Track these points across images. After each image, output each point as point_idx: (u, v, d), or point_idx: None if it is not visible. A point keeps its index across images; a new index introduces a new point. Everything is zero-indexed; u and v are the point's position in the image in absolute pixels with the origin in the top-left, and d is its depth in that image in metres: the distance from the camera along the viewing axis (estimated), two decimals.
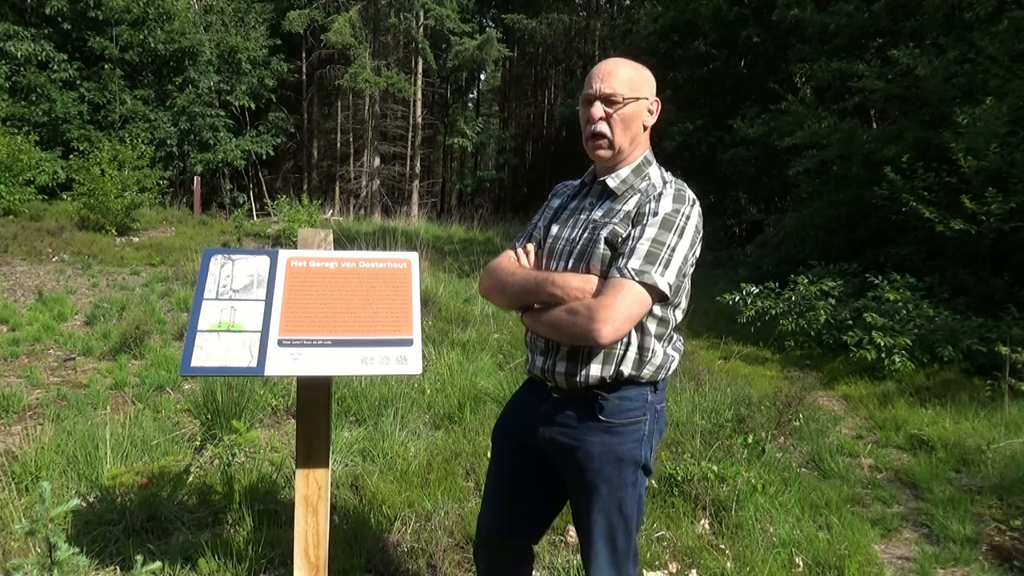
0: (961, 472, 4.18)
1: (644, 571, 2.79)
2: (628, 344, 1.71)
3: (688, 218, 1.71)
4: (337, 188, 29.89)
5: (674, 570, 2.84)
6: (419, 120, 28.46)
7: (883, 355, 6.21)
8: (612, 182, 1.79)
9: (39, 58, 17.32)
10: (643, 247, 1.65)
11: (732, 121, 13.56)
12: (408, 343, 2.06)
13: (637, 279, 1.61)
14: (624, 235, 1.70)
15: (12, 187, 13.23)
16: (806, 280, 7.85)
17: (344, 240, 9.89)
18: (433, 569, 2.75)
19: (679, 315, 1.80)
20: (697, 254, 1.77)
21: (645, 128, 1.81)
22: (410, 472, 3.49)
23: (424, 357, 2.37)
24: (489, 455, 2.05)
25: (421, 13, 25.94)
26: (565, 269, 1.77)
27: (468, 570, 2.79)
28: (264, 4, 24.24)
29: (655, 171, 1.82)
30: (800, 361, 7.07)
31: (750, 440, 3.97)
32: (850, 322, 6.92)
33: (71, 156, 16.51)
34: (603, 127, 1.76)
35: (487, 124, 33.58)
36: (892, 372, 6.16)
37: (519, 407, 1.96)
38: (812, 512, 3.45)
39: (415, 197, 27.72)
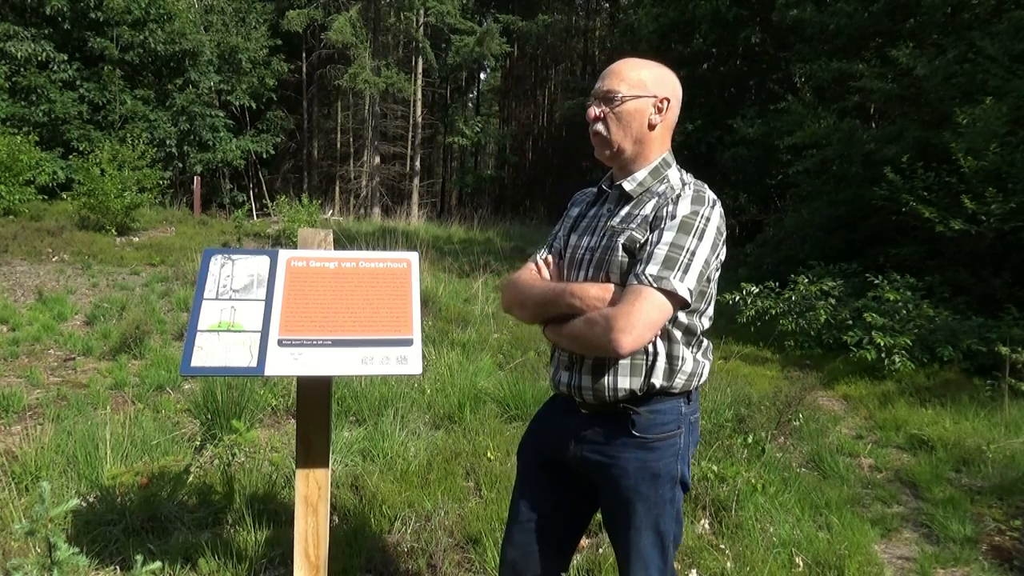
0: (961, 472, 4.18)
1: None
2: (656, 354, 1.64)
3: (708, 220, 1.62)
4: (337, 188, 29.90)
5: None
6: (419, 120, 28.47)
7: (883, 355, 6.20)
8: (628, 185, 1.72)
9: (39, 58, 17.30)
10: (661, 252, 1.57)
11: (732, 121, 13.54)
12: (408, 343, 2.06)
13: (655, 285, 1.54)
14: (642, 240, 1.62)
15: (12, 187, 13.23)
16: (806, 280, 7.85)
17: (344, 240, 9.89)
18: (433, 569, 2.75)
19: (706, 322, 1.73)
20: (722, 257, 1.69)
21: (652, 127, 1.70)
22: (410, 472, 3.49)
23: (424, 357, 2.37)
24: (515, 475, 1.96)
25: (421, 12, 25.95)
26: (586, 279, 1.71)
27: (468, 570, 2.79)
28: (265, 4, 24.25)
29: (674, 173, 1.73)
30: (800, 361, 7.06)
31: (750, 440, 3.97)
32: (850, 322, 6.91)
33: (71, 156, 16.49)
34: (599, 126, 1.71)
35: (487, 123, 33.58)
36: (892, 372, 6.16)
37: (546, 425, 1.89)
38: (812, 512, 3.45)
39: (415, 197, 27.72)
